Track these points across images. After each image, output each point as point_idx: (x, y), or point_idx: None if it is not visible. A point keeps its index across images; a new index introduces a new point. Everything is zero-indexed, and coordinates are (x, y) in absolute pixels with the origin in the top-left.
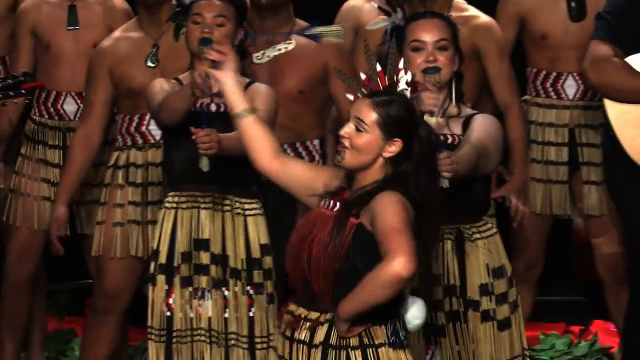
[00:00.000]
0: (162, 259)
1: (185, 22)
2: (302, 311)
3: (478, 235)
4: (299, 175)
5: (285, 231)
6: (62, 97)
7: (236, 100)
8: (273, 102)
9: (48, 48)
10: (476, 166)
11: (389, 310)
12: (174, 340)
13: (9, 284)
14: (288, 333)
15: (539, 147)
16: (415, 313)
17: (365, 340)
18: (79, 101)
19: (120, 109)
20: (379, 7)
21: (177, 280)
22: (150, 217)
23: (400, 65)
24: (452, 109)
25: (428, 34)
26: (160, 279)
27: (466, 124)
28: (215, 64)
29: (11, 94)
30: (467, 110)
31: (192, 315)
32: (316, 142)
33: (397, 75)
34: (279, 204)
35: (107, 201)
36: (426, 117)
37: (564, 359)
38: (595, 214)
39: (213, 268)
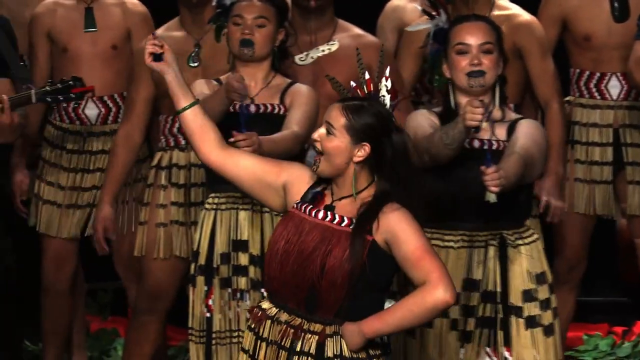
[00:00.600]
0: (202, 260)
1: (226, 23)
2: (299, 321)
3: (520, 242)
4: (248, 169)
5: None
6: (83, 102)
7: (178, 93)
8: (314, 102)
9: (65, 51)
10: (523, 176)
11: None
12: (214, 341)
13: (47, 291)
14: (284, 343)
15: (583, 148)
16: None
17: (371, 352)
18: (100, 105)
19: (162, 109)
20: (423, 10)
21: (216, 281)
22: (193, 218)
23: (387, 73)
24: (496, 113)
25: (473, 37)
26: (200, 280)
27: (511, 129)
28: (155, 57)
29: (60, 98)
30: (511, 115)
31: (231, 316)
32: None
33: (380, 83)
34: None
35: (149, 202)
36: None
37: None
38: (639, 214)
39: (252, 269)
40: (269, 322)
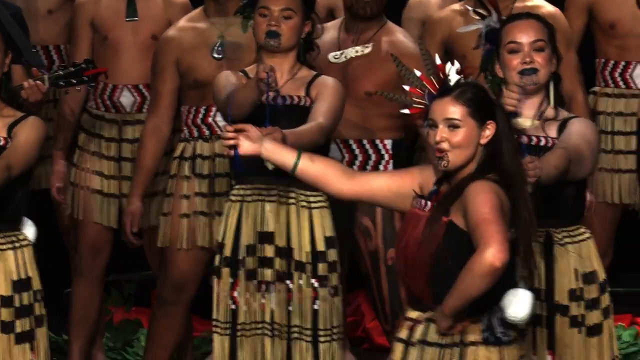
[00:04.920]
0: (227, 252)
1: (253, 14)
2: (410, 313)
3: (568, 240)
4: (383, 188)
5: (346, 223)
6: (119, 90)
7: (283, 157)
8: (340, 95)
9: (106, 39)
10: (566, 171)
11: (485, 305)
12: (239, 333)
13: (82, 279)
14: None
15: (608, 137)
16: (516, 306)
17: (458, 339)
18: (135, 94)
19: (185, 100)
20: (474, 10)
21: (241, 273)
22: (217, 208)
23: (437, 61)
24: (550, 112)
25: (524, 35)
26: (225, 271)
27: (562, 127)
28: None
29: (74, 81)
30: (565, 113)
31: (256, 308)
32: (387, 142)
33: (444, 71)
34: None
35: (173, 192)
36: (519, 120)
37: (631, 350)
38: None
39: (277, 261)
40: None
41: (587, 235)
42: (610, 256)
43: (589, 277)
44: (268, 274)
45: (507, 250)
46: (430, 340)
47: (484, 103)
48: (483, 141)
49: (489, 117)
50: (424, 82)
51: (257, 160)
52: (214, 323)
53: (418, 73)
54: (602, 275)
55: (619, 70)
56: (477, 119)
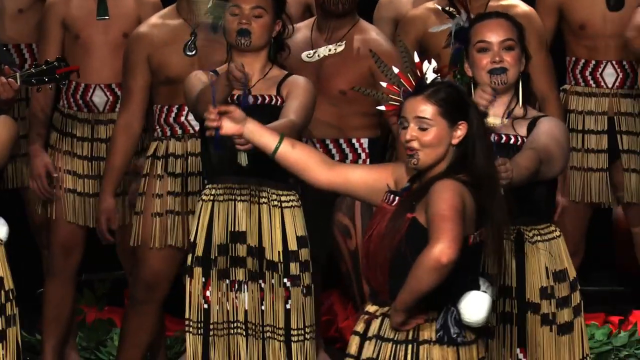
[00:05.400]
0: (199, 251)
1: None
2: (369, 307)
3: (539, 238)
4: (359, 181)
5: (323, 222)
6: (92, 89)
7: (264, 139)
8: (310, 93)
9: (77, 39)
10: (537, 172)
11: (442, 304)
12: (211, 332)
13: (54, 278)
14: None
15: (578, 136)
16: (472, 308)
17: (411, 336)
18: (107, 93)
19: (157, 98)
20: (443, 9)
21: (213, 272)
22: (190, 207)
23: (416, 58)
24: (519, 110)
25: (493, 34)
26: (197, 271)
27: (532, 125)
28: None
29: (46, 79)
30: (534, 112)
31: (229, 307)
32: (363, 140)
33: (421, 69)
34: (317, 194)
35: (145, 191)
36: (489, 119)
37: (604, 349)
38: (635, 202)
39: (249, 260)
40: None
41: (557, 233)
42: (581, 255)
43: (559, 275)
44: (240, 273)
45: (457, 248)
46: (386, 335)
47: (456, 103)
48: (454, 141)
49: (461, 117)
50: (402, 80)
51: (230, 157)
52: (187, 322)
53: (396, 70)
54: (572, 274)
55: (589, 69)
56: (448, 119)
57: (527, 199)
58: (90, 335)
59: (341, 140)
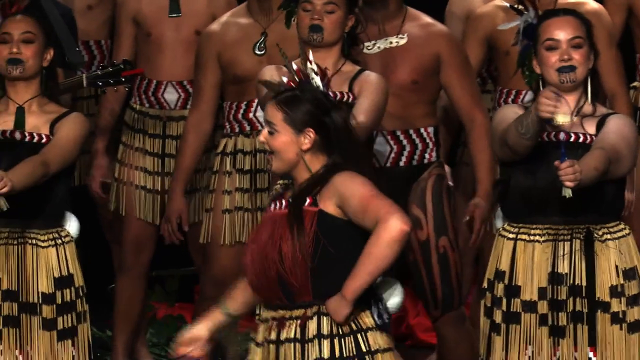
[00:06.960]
0: None
1: (296, 9)
2: (282, 313)
3: (608, 236)
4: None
5: None
6: (163, 86)
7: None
8: (382, 91)
9: (149, 36)
10: (605, 172)
11: (370, 294)
12: None
13: (125, 275)
14: (272, 337)
15: None
16: (395, 296)
17: (354, 327)
18: (179, 90)
19: (226, 95)
20: (511, 7)
21: None
22: (259, 204)
23: (311, 57)
24: (587, 108)
25: (562, 32)
26: None
27: (600, 123)
28: None
29: (111, 81)
30: (602, 109)
31: None
32: (430, 129)
33: (306, 69)
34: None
35: (215, 188)
36: (558, 117)
37: None
38: None
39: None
40: (262, 326)
41: (626, 231)
42: None
43: (629, 273)
44: None
45: (406, 215)
46: (327, 332)
47: (307, 112)
48: (304, 147)
49: (310, 125)
50: (295, 76)
51: None
52: (257, 318)
53: (295, 66)
54: None
55: None
56: (294, 127)
57: (596, 198)
58: (161, 331)
59: (411, 131)
